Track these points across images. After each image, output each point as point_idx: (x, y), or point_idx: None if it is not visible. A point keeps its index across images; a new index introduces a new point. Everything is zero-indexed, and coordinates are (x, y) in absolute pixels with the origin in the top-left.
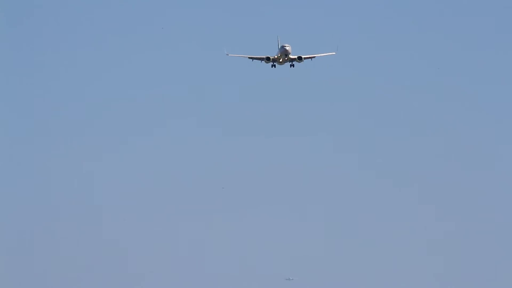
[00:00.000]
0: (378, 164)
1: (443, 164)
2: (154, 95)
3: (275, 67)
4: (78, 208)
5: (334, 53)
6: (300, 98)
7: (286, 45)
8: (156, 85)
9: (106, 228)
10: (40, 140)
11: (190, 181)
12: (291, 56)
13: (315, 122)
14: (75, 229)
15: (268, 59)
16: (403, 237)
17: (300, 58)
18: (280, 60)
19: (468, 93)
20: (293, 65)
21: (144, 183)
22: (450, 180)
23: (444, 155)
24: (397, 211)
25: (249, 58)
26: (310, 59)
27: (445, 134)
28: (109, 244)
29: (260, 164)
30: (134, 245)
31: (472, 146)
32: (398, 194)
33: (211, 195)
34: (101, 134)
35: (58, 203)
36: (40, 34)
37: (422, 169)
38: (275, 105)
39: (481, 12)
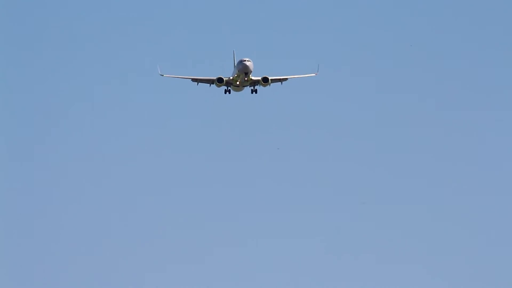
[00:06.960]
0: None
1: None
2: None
3: (229, 93)
4: None
5: (314, 74)
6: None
7: (246, 59)
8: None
9: None
10: None
11: None
12: (252, 77)
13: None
14: None
15: (220, 80)
16: None
17: (265, 80)
18: (238, 83)
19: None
20: (256, 91)
21: None
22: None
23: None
24: None
25: (193, 80)
26: (280, 82)
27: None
28: None
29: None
30: None
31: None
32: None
33: None
34: None
35: None
36: None
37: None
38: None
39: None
